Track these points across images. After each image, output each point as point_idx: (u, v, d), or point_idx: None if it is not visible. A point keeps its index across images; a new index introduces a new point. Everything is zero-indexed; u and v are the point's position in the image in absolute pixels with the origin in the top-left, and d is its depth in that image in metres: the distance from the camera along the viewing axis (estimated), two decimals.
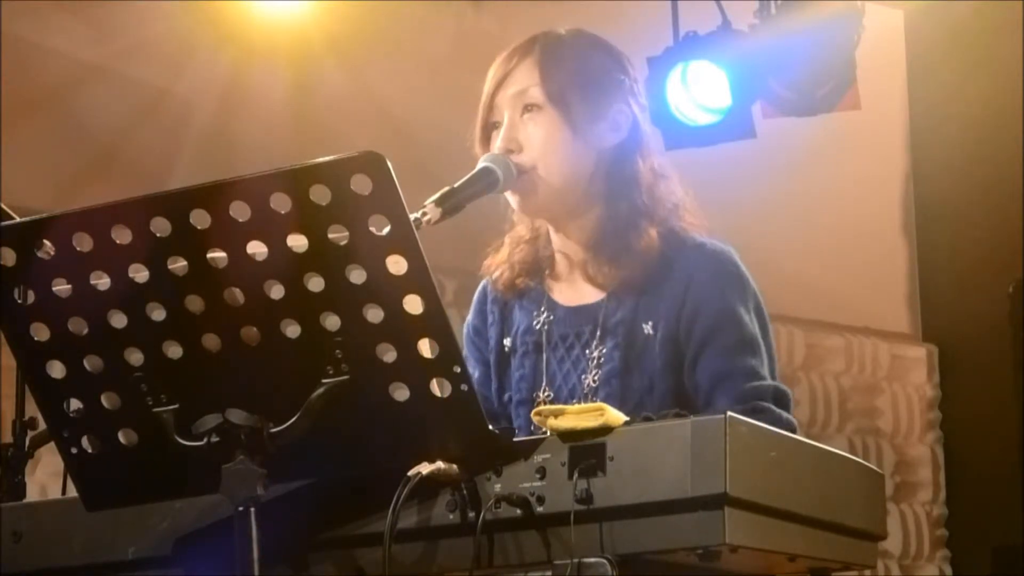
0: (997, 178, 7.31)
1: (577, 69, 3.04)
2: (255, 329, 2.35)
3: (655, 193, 3.05)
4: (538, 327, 3.09)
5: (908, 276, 7.78)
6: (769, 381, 2.95)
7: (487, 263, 3.16)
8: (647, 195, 3.04)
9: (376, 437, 2.39)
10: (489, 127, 3.06)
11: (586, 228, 3.06)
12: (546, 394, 3.04)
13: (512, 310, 3.14)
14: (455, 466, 2.36)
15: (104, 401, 2.44)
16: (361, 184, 2.24)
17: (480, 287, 3.19)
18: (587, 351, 3.03)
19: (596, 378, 3.00)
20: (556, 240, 3.11)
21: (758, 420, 2.80)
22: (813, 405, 7.28)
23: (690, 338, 2.95)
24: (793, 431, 2.85)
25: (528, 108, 3.02)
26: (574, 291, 3.08)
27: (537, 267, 3.11)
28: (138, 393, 2.42)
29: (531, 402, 3.04)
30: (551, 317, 3.08)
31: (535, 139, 3.00)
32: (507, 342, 3.12)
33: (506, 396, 3.08)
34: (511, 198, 3.05)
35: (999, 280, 7.11)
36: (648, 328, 2.98)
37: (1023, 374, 6.97)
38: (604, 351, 3.01)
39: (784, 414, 2.90)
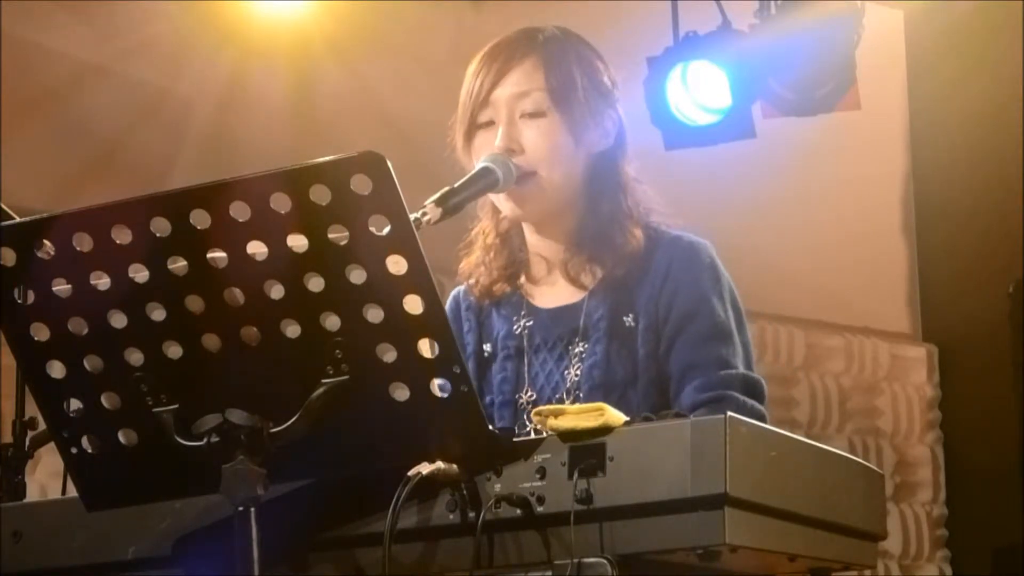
0: (997, 178, 7.31)
1: (579, 74, 3.04)
2: (255, 329, 2.35)
3: (636, 196, 3.08)
4: (518, 332, 3.09)
5: (908, 276, 7.77)
6: (740, 370, 2.95)
7: (462, 268, 3.16)
8: (630, 198, 3.07)
9: (376, 437, 2.39)
10: (477, 125, 3.04)
11: (566, 229, 3.07)
12: (528, 395, 3.04)
13: (489, 316, 3.14)
14: (455, 466, 2.36)
15: (104, 401, 2.44)
16: (361, 184, 2.24)
17: (451, 296, 3.18)
18: (570, 348, 3.04)
19: (578, 371, 3.01)
20: (533, 241, 3.11)
21: (720, 410, 2.80)
22: (813, 405, 7.26)
23: (666, 325, 2.98)
24: (762, 420, 2.85)
25: (531, 112, 3.01)
26: (554, 293, 3.09)
27: (514, 271, 3.12)
28: (138, 393, 2.42)
29: (513, 403, 3.05)
30: (531, 321, 3.09)
31: (539, 144, 3.00)
32: (487, 347, 3.12)
33: (487, 399, 3.08)
34: (505, 203, 3.04)
35: (999, 280, 7.12)
36: (629, 320, 3.00)
37: (1023, 374, 6.98)
38: (587, 346, 3.02)
39: (750, 402, 2.91)
